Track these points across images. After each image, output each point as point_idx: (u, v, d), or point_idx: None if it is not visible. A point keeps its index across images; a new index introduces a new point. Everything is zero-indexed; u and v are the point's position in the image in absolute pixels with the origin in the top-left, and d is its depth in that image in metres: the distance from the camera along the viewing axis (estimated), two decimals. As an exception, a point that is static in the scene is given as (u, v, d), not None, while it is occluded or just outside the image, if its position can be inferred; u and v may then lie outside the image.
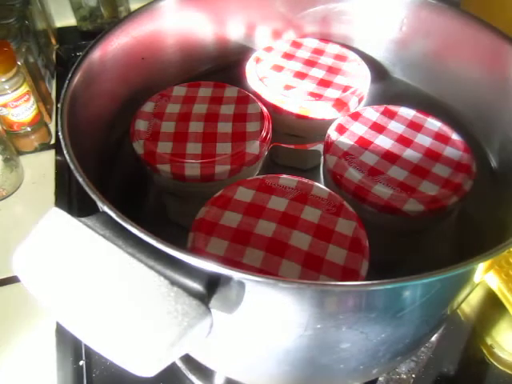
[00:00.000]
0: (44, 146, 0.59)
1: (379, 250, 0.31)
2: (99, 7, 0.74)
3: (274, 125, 0.39)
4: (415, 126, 0.39)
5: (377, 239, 0.31)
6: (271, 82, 0.42)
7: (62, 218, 0.23)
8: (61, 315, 0.22)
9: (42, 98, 0.60)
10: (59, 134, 0.29)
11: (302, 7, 0.48)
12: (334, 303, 0.25)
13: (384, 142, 0.37)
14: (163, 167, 0.36)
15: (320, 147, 0.40)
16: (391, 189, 0.34)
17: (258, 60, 0.45)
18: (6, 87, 0.51)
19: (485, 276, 0.43)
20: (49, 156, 0.59)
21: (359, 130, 0.38)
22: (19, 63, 0.53)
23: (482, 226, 0.38)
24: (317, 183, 0.34)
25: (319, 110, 0.40)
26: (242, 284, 0.22)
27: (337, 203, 0.32)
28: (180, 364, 0.41)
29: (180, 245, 0.22)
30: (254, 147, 0.37)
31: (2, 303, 0.45)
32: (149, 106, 0.40)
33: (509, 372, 0.42)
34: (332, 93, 0.41)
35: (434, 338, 0.43)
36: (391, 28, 0.47)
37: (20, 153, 0.58)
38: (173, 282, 0.21)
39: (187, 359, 0.41)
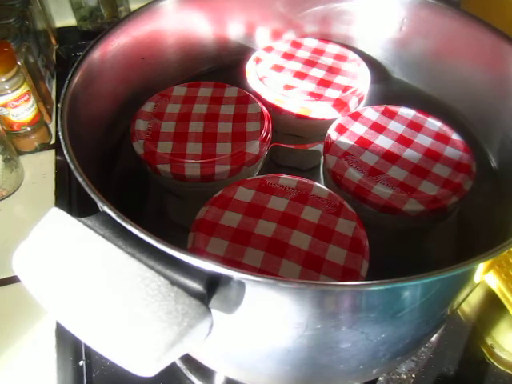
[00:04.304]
0: (44, 146, 0.59)
1: (379, 249, 0.31)
2: (99, 7, 0.74)
3: (274, 125, 0.39)
4: (415, 126, 0.39)
5: (377, 239, 0.31)
6: (271, 81, 0.42)
7: (62, 218, 0.23)
8: (61, 315, 0.22)
9: (42, 98, 0.60)
10: (59, 133, 0.29)
11: (302, 7, 0.48)
12: (334, 303, 0.25)
13: (384, 142, 0.37)
14: (163, 167, 0.36)
15: (320, 147, 0.40)
16: (391, 189, 0.34)
17: (258, 60, 0.45)
18: (6, 87, 0.51)
19: (485, 276, 0.43)
20: (49, 156, 0.59)
21: (359, 130, 0.38)
22: (19, 63, 0.53)
23: (482, 225, 0.38)
24: (317, 183, 0.34)
25: (319, 110, 0.40)
26: (241, 284, 0.22)
27: (337, 203, 0.32)
28: (180, 364, 0.41)
29: (180, 245, 0.22)
30: (254, 147, 0.37)
31: (2, 303, 0.45)
32: (149, 106, 0.40)
33: (509, 372, 0.42)
34: (332, 93, 0.41)
35: (434, 338, 0.43)
36: (391, 28, 0.47)
37: (20, 153, 0.58)
38: (173, 282, 0.21)
39: (187, 359, 0.41)
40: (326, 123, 0.40)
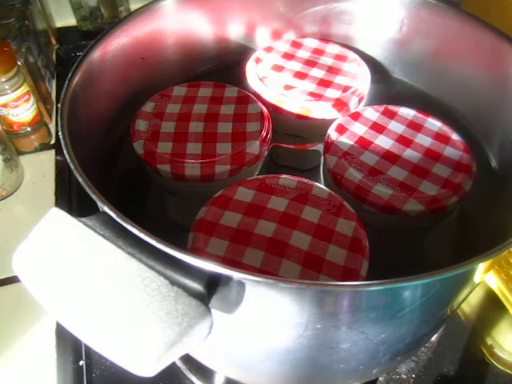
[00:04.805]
0: (44, 146, 0.59)
1: (379, 250, 0.31)
2: (99, 7, 0.74)
3: (274, 125, 0.39)
4: (415, 126, 0.39)
5: (377, 239, 0.31)
6: (271, 81, 0.42)
7: (61, 218, 0.23)
8: (60, 315, 0.22)
9: (42, 98, 0.60)
10: (59, 133, 0.29)
11: (302, 7, 0.48)
12: (333, 303, 0.25)
13: (384, 142, 0.37)
14: (163, 167, 0.36)
15: (320, 147, 0.40)
16: (391, 189, 0.34)
17: (257, 60, 0.45)
18: (6, 87, 0.51)
19: (485, 276, 0.43)
20: (49, 156, 0.59)
21: (359, 130, 0.38)
22: (19, 63, 0.53)
23: (481, 225, 0.38)
24: (317, 183, 0.34)
25: (319, 110, 0.40)
26: (241, 284, 0.22)
27: (337, 203, 0.32)
28: (180, 364, 0.41)
29: (180, 245, 0.22)
30: (254, 147, 0.37)
31: (2, 303, 0.45)
32: (149, 106, 0.40)
33: (509, 372, 0.42)
34: (332, 93, 0.41)
35: (434, 338, 0.43)
36: (391, 28, 0.47)
37: (20, 153, 0.58)
38: (173, 282, 0.21)
39: (187, 359, 0.41)
40: (326, 123, 0.40)
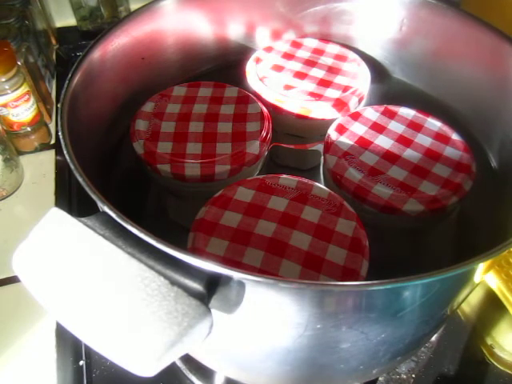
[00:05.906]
0: (44, 146, 0.59)
1: (379, 249, 0.31)
2: (99, 7, 0.75)
3: (274, 125, 0.39)
4: (415, 126, 0.39)
5: (377, 239, 0.31)
6: (271, 81, 0.42)
7: (61, 218, 0.23)
8: (60, 315, 0.22)
9: (42, 98, 0.60)
10: (59, 133, 0.29)
11: (302, 7, 0.48)
12: (333, 303, 0.25)
13: (384, 142, 0.37)
14: (163, 167, 0.36)
15: (320, 147, 0.40)
16: (391, 189, 0.34)
17: (257, 60, 0.45)
18: (6, 87, 0.51)
19: (485, 276, 0.43)
20: (49, 156, 0.59)
21: (359, 130, 0.38)
22: (19, 63, 0.53)
23: (482, 226, 0.38)
24: (317, 183, 0.34)
25: (319, 110, 0.40)
26: (241, 284, 0.22)
27: (337, 203, 0.32)
28: (180, 364, 0.41)
29: (180, 245, 0.22)
30: (254, 147, 0.37)
31: (2, 303, 0.45)
32: (149, 106, 0.40)
33: (509, 372, 0.42)
34: (332, 93, 0.41)
35: (434, 338, 0.43)
36: (391, 28, 0.47)
37: (20, 153, 0.58)
38: (173, 282, 0.21)
39: (187, 359, 0.41)
40: (326, 123, 0.40)
